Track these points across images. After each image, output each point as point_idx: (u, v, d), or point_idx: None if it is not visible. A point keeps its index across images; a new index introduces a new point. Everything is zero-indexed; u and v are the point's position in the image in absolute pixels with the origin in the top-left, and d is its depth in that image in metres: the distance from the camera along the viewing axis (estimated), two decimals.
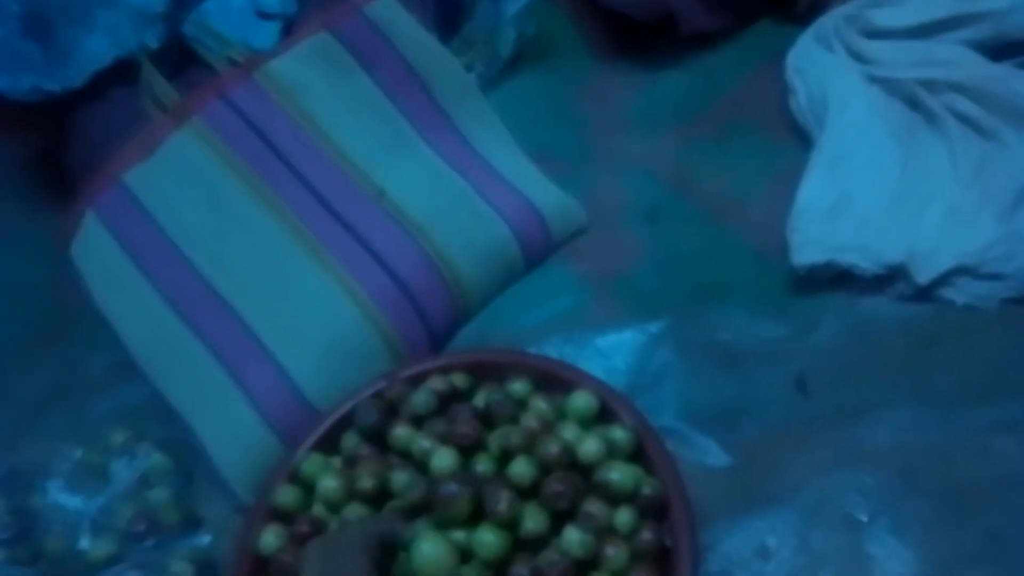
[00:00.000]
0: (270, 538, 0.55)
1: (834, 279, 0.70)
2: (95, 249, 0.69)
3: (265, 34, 0.75)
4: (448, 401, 0.58)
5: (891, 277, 0.69)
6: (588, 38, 0.97)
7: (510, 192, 0.75)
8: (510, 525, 0.50)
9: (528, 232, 0.74)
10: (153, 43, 0.73)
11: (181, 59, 0.75)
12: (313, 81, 0.72)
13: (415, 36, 0.76)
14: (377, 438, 0.58)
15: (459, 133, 0.77)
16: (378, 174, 0.71)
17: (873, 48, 0.80)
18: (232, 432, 0.65)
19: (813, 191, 0.73)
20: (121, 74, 0.78)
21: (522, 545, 0.50)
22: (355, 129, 0.72)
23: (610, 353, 0.69)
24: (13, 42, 0.72)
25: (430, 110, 0.76)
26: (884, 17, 0.80)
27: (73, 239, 0.70)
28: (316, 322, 0.66)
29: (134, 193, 0.68)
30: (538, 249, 0.76)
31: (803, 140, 0.79)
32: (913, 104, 0.77)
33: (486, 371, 0.61)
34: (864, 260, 0.68)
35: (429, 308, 0.70)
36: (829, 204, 0.71)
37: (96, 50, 0.75)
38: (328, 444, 0.60)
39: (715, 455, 0.63)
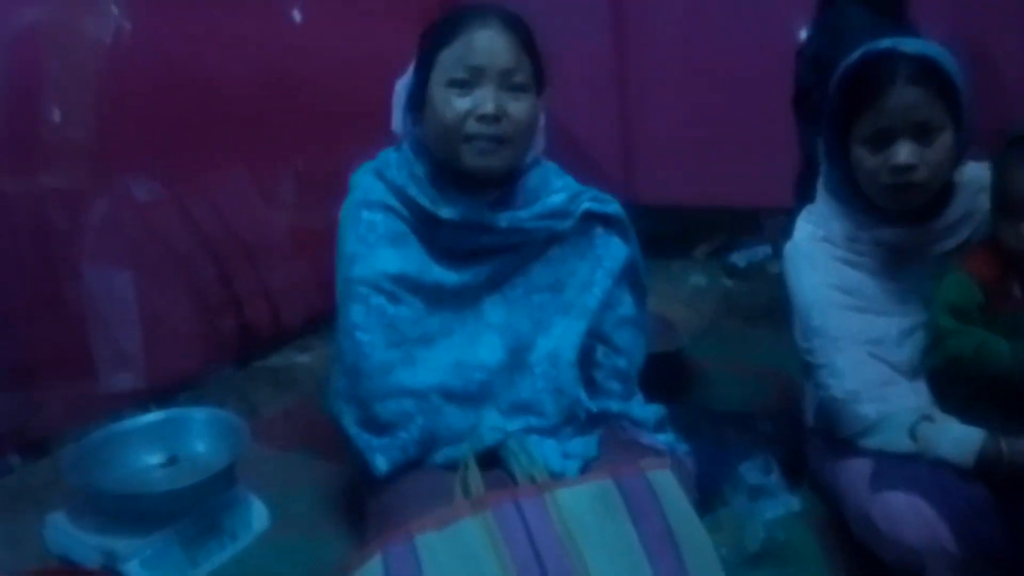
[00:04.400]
0: None
1: None
2: None
3: (566, 468, 0.93)
4: None
5: None
6: (833, 560, 1.02)
7: None
8: None
9: None
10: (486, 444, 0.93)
11: (491, 459, 0.94)
12: (587, 515, 0.85)
13: (680, 507, 0.88)
14: None
15: None
16: None
17: None
18: None
19: None
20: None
21: None
22: (608, 564, 0.81)
23: None
24: (409, 446, 0.97)
25: (676, 571, 0.84)
26: None
27: (354, 572, 0.83)
28: None
29: (418, 554, 0.81)
30: None
31: None
32: None
33: None
34: None
35: None
36: None
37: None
38: None
39: None
